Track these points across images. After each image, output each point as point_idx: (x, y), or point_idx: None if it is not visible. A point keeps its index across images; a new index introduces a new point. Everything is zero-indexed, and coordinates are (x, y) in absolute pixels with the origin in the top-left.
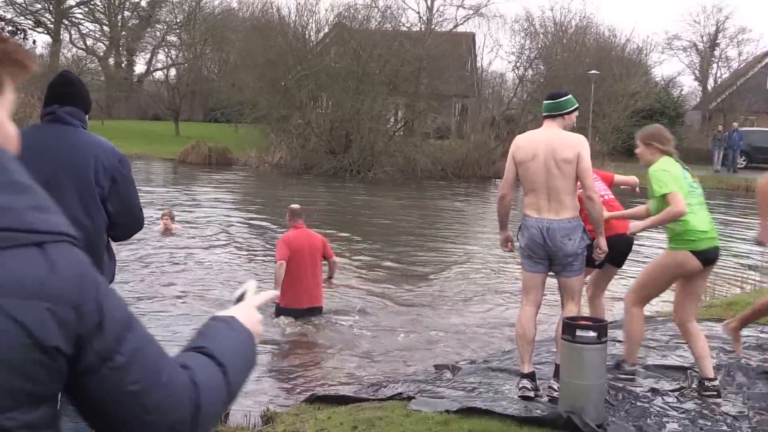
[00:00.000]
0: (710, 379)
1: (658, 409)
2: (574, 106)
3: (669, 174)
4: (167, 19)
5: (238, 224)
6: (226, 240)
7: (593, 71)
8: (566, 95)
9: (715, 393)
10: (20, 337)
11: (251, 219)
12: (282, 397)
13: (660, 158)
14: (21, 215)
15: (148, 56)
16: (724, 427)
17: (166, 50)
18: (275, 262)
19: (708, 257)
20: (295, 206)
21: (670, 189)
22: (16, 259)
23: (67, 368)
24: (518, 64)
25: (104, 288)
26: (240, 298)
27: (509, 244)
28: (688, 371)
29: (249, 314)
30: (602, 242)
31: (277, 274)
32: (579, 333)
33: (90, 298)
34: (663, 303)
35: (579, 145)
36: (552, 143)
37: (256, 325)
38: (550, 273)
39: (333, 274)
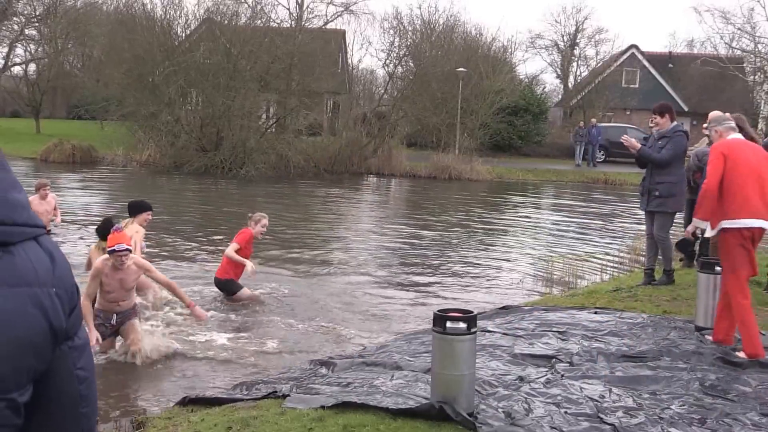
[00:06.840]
0: None
1: (525, 395)
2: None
3: None
4: (25, 12)
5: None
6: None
7: (461, 69)
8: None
9: None
10: (42, 320)
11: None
12: (152, 401)
13: None
14: (27, 212)
15: (5, 51)
16: (587, 410)
17: (25, 44)
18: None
19: None
20: None
21: None
22: (28, 252)
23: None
24: (388, 62)
25: None
26: None
27: None
28: (552, 359)
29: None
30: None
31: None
32: (449, 325)
33: (74, 282)
34: (527, 293)
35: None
36: None
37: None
38: None
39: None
